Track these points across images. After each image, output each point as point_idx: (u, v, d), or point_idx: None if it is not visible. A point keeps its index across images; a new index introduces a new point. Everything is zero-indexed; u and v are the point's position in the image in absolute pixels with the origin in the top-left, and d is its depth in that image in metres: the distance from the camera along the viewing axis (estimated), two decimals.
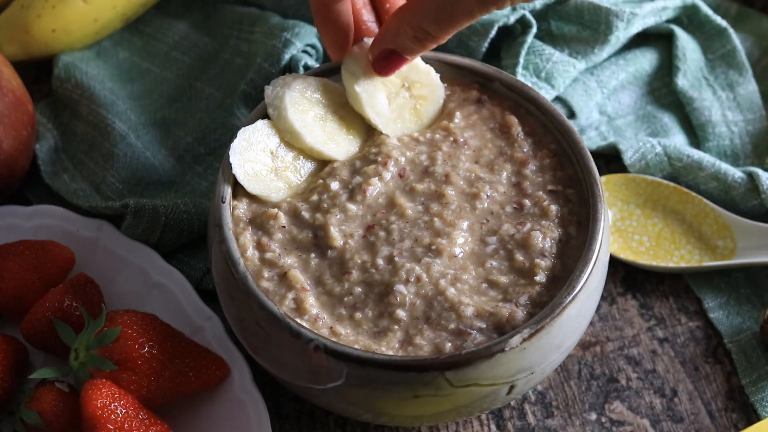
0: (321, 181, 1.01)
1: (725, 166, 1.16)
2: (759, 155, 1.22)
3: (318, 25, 1.04)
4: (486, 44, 1.20)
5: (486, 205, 1.00)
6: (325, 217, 0.99)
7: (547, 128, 1.05)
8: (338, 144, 1.04)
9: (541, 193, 1.00)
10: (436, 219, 0.98)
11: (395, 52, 1.00)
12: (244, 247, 0.97)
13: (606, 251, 0.99)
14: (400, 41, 0.99)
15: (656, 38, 1.29)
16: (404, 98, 1.05)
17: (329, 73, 1.06)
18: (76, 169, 1.22)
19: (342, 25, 1.03)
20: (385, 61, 1.01)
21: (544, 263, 0.96)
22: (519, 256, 0.97)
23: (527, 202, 1.00)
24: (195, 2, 1.35)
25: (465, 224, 0.98)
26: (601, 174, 1.18)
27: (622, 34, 1.23)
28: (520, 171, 1.02)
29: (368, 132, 1.06)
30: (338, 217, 0.99)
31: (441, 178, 1.01)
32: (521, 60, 1.20)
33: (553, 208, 0.99)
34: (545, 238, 0.97)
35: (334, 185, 1.01)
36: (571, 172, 1.02)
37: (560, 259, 0.97)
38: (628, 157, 1.18)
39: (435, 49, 1.09)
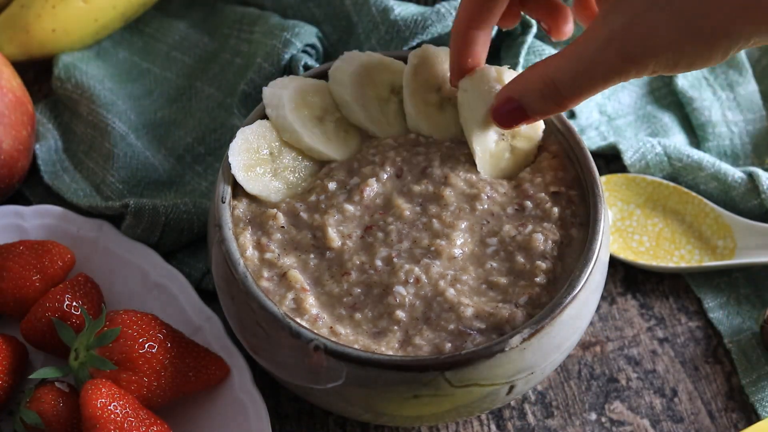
0: (319, 181, 1.02)
1: (725, 166, 1.16)
2: (759, 155, 1.22)
3: (451, 44, 0.99)
4: None
5: (486, 206, 1.00)
6: (323, 217, 0.99)
7: (548, 129, 1.05)
8: (336, 144, 1.04)
9: (542, 194, 1.00)
10: (434, 220, 0.98)
11: (520, 107, 0.95)
12: (244, 247, 0.98)
13: (606, 251, 0.99)
14: (526, 95, 0.93)
15: None
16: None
17: (327, 76, 1.06)
18: (76, 169, 1.22)
19: (472, 52, 0.98)
20: (507, 112, 0.95)
21: (545, 265, 0.96)
22: (520, 258, 0.97)
23: (528, 204, 1.00)
24: (195, 2, 1.35)
25: (464, 225, 0.98)
26: (601, 174, 1.18)
27: None
28: (519, 170, 1.02)
29: (366, 133, 1.06)
30: (336, 217, 0.99)
31: (440, 179, 1.01)
32: (521, 60, 1.20)
33: (556, 210, 0.99)
34: (547, 241, 0.97)
35: (332, 186, 1.01)
36: (573, 173, 1.02)
37: (561, 261, 0.97)
38: (628, 157, 1.18)
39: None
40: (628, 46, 0.85)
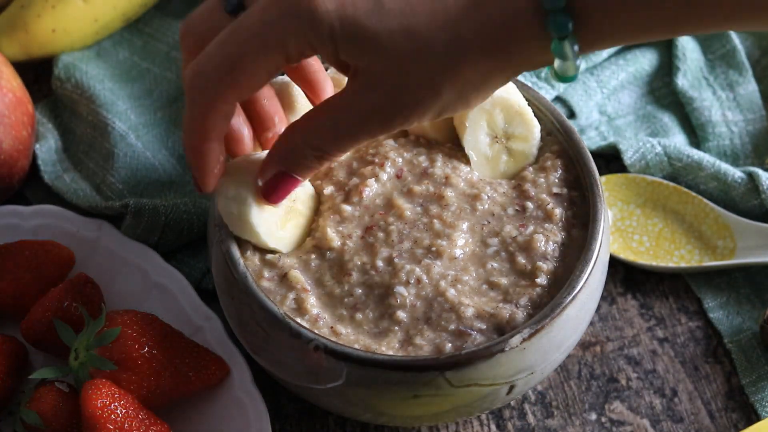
0: (318, 182, 1.01)
1: (725, 166, 1.16)
2: (759, 155, 1.22)
3: (192, 163, 0.94)
4: None
5: (487, 206, 1.00)
6: (322, 218, 0.99)
7: (548, 129, 1.04)
8: None
9: (544, 195, 1.00)
10: (435, 220, 0.98)
11: (287, 174, 0.92)
12: (244, 247, 0.97)
13: (606, 251, 0.99)
14: (293, 161, 0.92)
15: None
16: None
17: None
18: (76, 169, 1.22)
19: (213, 163, 0.93)
20: (276, 185, 0.93)
21: (546, 266, 0.96)
22: (521, 259, 0.96)
23: (530, 205, 1.00)
24: (195, 2, 1.35)
25: (465, 226, 0.98)
26: (601, 174, 1.18)
27: None
28: (521, 173, 1.02)
29: None
30: (335, 218, 0.99)
31: (440, 179, 1.01)
32: None
33: (558, 211, 0.99)
34: (548, 242, 0.97)
35: (330, 187, 1.01)
36: (574, 173, 1.02)
37: (562, 262, 0.97)
38: (628, 157, 1.18)
39: None
40: (394, 112, 0.88)
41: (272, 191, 0.94)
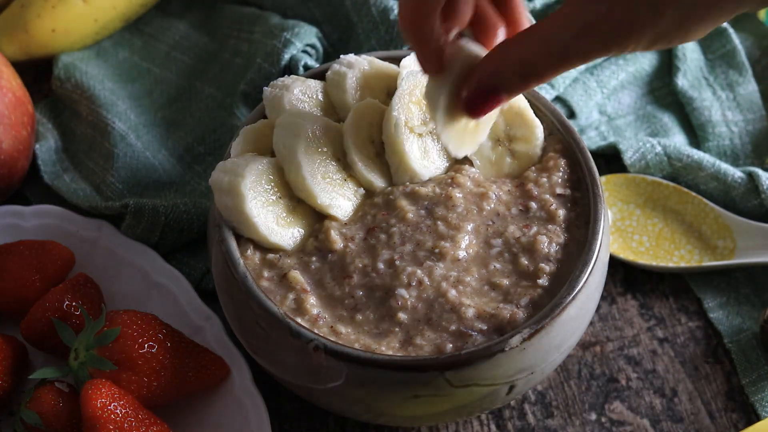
0: None
1: (725, 166, 1.16)
2: (759, 155, 1.22)
3: (411, 42, 0.93)
4: None
5: (492, 206, 0.99)
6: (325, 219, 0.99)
7: (550, 129, 1.04)
8: None
9: (547, 196, 1.00)
10: (439, 222, 0.98)
11: (493, 90, 0.89)
12: (244, 247, 0.97)
13: (606, 251, 0.98)
14: (500, 76, 0.89)
15: None
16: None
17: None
18: (76, 169, 1.22)
19: (435, 40, 0.92)
20: (479, 99, 0.90)
21: (548, 268, 0.96)
22: (523, 260, 0.96)
23: (533, 205, 0.99)
24: (195, 2, 1.35)
25: (470, 227, 0.98)
26: (601, 174, 1.18)
27: None
28: (524, 172, 1.02)
29: None
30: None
31: (446, 179, 1.00)
32: None
33: (561, 212, 0.99)
34: (551, 243, 0.97)
35: None
36: (577, 173, 1.01)
37: (564, 262, 0.96)
38: (628, 157, 1.18)
39: None
40: (611, 30, 0.84)
41: (474, 104, 0.92)
